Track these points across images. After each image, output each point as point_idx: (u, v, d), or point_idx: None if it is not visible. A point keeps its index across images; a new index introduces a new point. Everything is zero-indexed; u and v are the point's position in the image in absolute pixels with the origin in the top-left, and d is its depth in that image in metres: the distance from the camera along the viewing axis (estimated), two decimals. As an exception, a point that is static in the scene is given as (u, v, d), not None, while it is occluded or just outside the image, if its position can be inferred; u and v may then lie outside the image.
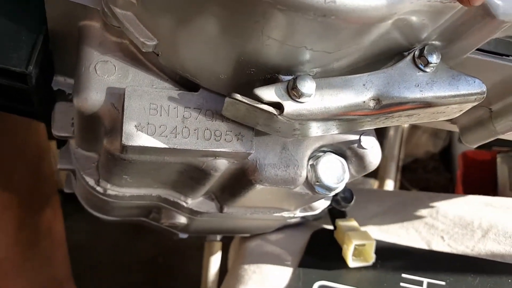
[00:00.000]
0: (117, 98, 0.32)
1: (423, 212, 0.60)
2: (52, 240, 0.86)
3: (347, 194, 0.53)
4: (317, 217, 0.60)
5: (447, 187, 1.11)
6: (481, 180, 1.02)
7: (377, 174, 0.92)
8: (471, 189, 1.02)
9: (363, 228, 0.56)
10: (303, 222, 0.61)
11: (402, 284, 0.51)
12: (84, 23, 0.34)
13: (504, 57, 0.35)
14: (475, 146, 0.45)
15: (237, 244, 0.64)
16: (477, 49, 0.35)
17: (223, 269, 0.81)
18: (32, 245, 0.80)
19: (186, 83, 0.34)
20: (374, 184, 0.93)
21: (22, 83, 0.35)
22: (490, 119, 0.42)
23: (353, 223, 0.56)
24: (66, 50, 0.36)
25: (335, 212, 0.57)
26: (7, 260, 0.77)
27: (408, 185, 1.12)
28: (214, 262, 0.86)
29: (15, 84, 0.36)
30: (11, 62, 0.34)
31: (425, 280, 0.52)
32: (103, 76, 0.33)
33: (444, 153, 1.22)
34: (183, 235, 0.59)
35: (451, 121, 0.46)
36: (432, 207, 0.61)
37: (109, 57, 0.33)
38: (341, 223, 0.56)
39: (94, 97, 0.32)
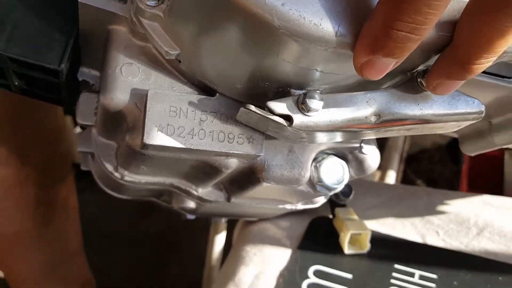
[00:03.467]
0: (139, 99, 0.35)
1: (420, 206, 0.62)
2: (67, 216, 0.90)
3: (346, 189, 0.56)
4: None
5: (452, 180, 1.13)
6: (487, 175, 1.03)
7: (380, 164, 0.94)
8: (476, 184, 1.04)
9: (360, 218, 0.58)
10: (305, 210, 0.63)
11: (394, 274, 0.54)
12: (112, 27, 0.36)
13: (505, 79, 0.37)
14: (473, 154, 0.47)
15: (241, 226, 0.67)
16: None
17: (227, 248, 0.84)
18: (47, 220, 0.85)
19: (204, 87, 0.36)
20: (377, 174, 0.95)
21: (54, 77, 0.38)
22: (490, 132, 0.44)
23: (352, 213, 0.59)
24: (94, 47, 0.39)
25: (335, 201, 0.60)
26: (24, 233, 0.81)
27: (413, 175, 1.13)
28: (219, 241, 0.89)
29: (47, 78, 0.39)
30: (46, 59, 0.37)
31: (417, 272, 0.54)
32: (128, 77, 0.35)
33: (452, 145, 1.22)
34: (191, 217, 0.62)
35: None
36: (429, 202, 0.63)
37: (134, 60, 0.36)
38: (340, 212, 0.59)
39: (119, 97, 0.35)
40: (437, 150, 1.20)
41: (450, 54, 0.27)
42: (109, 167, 0.45)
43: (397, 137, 0.95)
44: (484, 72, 0.36)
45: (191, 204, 0.51)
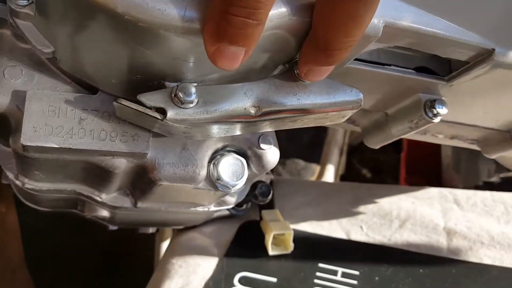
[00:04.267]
0: (21, 100, 0.35)
1: (345, 202, 0.63)
2: (5, 231, 0.89)
3: (265, 189, 0.56)
4: (246, 210, 0.63)
5: (395, 167, 1.14)
6: (425, 160, 1.05)
7: (319, 159, 0.94)
8: (414, 170, 1.06)
9: (288, 219, 0.58)
10: (234, 214, 0.63)
11: (318, 273, 0.54)
12: None
13: (386, 66, 0.38)
14: (377, 147, 0.47)
15: (172, 237, 0.66)
16: (360, 60, 0.37)
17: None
18: None
19: (88, 86, 0.36)
20: (316, 169, 0.95)
21: None
22: (387, 123, 0.45)
23: (277, 214, 0.59)
24: None
25: (263, 204, 0.60)
26: None
27: (358, 165, 1.14)
28: (165, 248, 0.89)
29: None
30: None
31: (340, 270, 0.55)
32: (10, 80, 0.35)
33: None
34: (113, 227, 0.61)
35: (354, 123, 0.48)
36: (354, 197, 0.63)
37: (17, 62, 0.35)
38: (266, 214, 0.59)
39: (1, 100, 0.35)
40: (380, 139, 1.21)
41: (312, 40, 0.28)
42: (10, 175, 0.44)
43: (336, 131, 0.96)
44: (363, 60, 0.37)
45: (104, 213, 0.50)
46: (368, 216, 0.60)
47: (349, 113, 0.34)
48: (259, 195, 0.56)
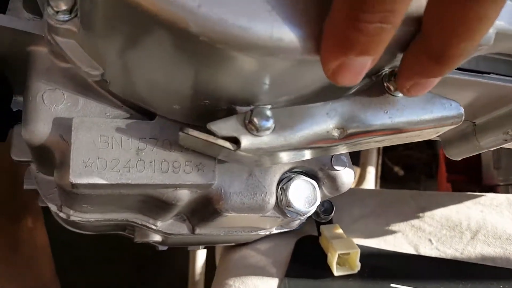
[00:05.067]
0: (65, 129, 0.30)
1: (408, 213, 0.58)
2: (35, 244, 0.87)
3: (327, 206, 0.51)
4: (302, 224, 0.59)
5: (430, 164, 1.10)
6: (465, 158, 1.01)
7: (359, 161, 0.91)
8: (455, 168, 1.02)
9: (348, 233, 0.54)
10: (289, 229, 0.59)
11: (390, 294, 0.51)
12: (31, 48, 0.31)
13: (485, 75, 0.34)
14: (460, 159, 0.44)
15: (222, 252, 0.62)
16: (458, 69, 0.33)
17: (209, 261, 0.80)
18: (15, 250, 0.82)
19: (143, 110, 0.31)
20: (357, 171, 0.92)
21: None
22: (474, 134, 0.41)
23: (338, 229, 0.55)
24: (21, 72, 0.34)
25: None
26: None
27: (390, 163, 1.10)
28: (200, 255, 0.86)
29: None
30: None
31: (415, 290, 0.51)
32: (51, 105, 0.31)
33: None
34: (163, 248, 0.58)
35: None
36: (417, 207, 0.59)
37: (57, 84, 0.31)
38: (325, 230, 0.55)
39: (41, 129, 0.31)
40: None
41: (420, 48, 0.24)
42: (53, 208, 0.40)
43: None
44: (460, 69, 0.33)
45: (156, 238, 0.46)
46: (436, 228, 0.56)
47: (445, 129, 0.30)
48: (322, 213, 0.52)
